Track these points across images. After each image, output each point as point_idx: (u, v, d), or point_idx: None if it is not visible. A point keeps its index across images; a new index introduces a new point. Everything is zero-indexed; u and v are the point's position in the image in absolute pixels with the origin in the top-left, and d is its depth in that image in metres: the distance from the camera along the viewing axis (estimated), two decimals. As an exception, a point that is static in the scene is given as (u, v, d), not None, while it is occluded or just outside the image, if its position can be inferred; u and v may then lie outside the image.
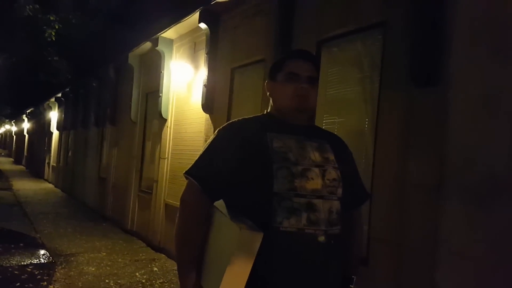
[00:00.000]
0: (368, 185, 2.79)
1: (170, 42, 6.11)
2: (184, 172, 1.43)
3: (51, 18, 7.56)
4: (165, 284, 4.55)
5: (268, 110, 1.57)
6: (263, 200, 1.33)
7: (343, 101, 3.33)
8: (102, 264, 5.14)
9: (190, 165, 1.43)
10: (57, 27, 7.64)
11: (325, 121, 3.42)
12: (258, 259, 1.26)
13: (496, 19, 2.22)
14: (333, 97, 3.40)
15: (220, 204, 1.44)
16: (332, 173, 1.42)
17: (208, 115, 4.96)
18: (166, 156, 6.01)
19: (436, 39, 2.42)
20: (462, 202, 2.23)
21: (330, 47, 3.44)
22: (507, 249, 2.05)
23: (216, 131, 1.48)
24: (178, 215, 1.43)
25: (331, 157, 1.46)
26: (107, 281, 4.53)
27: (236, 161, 1.37)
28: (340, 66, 3.38)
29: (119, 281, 4.53)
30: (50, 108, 15.71)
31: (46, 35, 7.56)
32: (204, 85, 4.92)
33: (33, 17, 7.21)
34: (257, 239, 1.26)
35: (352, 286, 1.49)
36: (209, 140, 1.46)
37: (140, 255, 5.75)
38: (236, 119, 1.54)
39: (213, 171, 1.39)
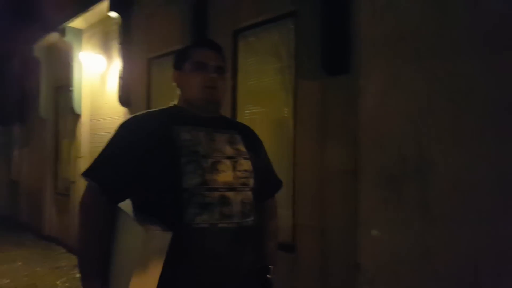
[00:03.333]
0: (290, 173, 2.85)
1: (78, 32, 5.70)
2: (82, 173, 1.31)
3: None
4: (89, 290, 4.32)
5: (176, 102, 1.49)
6: (173, 197, 1.26)
7: (263, 91, 3.33)
8: (18, 275, 4.75)
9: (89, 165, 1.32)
10: None
11: (247, 112, 3.41)
12: (170, 259, 1.20)
13: (398, 4, 2.33)
14: (254, 87, 3.39)
15: (125, 204, 1.34)
16: (244, 164, 1.39)
17: (125, 109, 4.72)
18: (83, 155, 5.65)
19: (344, 28, 2.48)
20: (376, 185, 2.33)
21: (247, 36, 3.41)
22: (417, 226, 2.21)
23: (118, 126, 1.38)
24: (78, 221, 1.31)
25: (242, 148, 1.43)
26: (24, 293, 4.20)
27: (141, 157, 1.28)
28: (257, 56, 3.37)
29: (38, 292, 4.23)
30: None
31: None
32: (120, 77, 4.66)
33: None
34: (165, 239, 1.19)
35: (269, 276, 1.47)
36: (110, 137, 1.35)
37: (61, 262, 5.40)
38: (139, 113, 1.45)
39: (114, 170, 1.29)
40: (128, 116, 1.47)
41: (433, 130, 2.31)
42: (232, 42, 3.37)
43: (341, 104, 2.55)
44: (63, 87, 6.26)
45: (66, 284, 4.49)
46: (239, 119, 3.34)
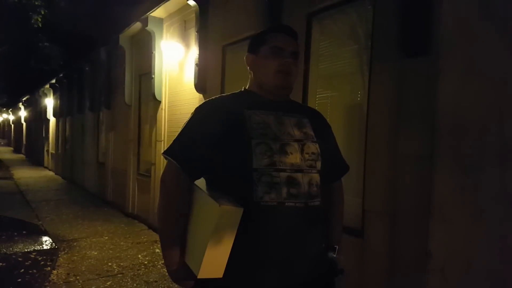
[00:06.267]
0: (361, 159, 2.80)
1: (160, 21, 5.98)
2: (162, 152, 1.42)
3: (36, 3, 7.40)
4: (167, 264, 4.61)
5: (247, 86, 1.55)
6: (243, 176, 1.33)
7: (336, 75, 3.29)
8: (105, 248, 5.20)
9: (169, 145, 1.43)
10: (43, 13, 7.49)
11: (318, 96, 3.39)
12: (240, 234, 1.28)
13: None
14: (326, 71, 3.36)
15: (200, 182, 1.43)
16: (311, 147, 1.43)
17: (201, 95, 4.90)
18: (162, 138, 5.98)
19: (425, 8, 2.36)
20: (453, 170, 2.23)
21: (321, 19, 3.36)
22: (495, 216, 2.07)
23: (194, 110, 1.47)
24: (159, 195, 1.43)
25: (310, 131, 1.47)
26: (109, 264, 4.59)
27: (215, 138, 1.36)
28: (331, 38, 3.32)
29: (121, 264, 4.60)
30: (46, 95, 15.60)
31: (32, 21, 7.41)
32: (196, 64, 4.85)
33: (20, 3, 7.07)
34: (237, 214, 1.26)
35: (334, 256, 1.49)
36: (187, 119, 1.45)
37: (142, 237, 5.81)
38: (213, 97, 1.53)
39: (191, 149, 1.38)
40: (203, 101, 1.55)
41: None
42: (306, 25, 3.35)
43: (418, 87, 2.44)
44: (145, 74, 6.64)
45: (147, 258, 4.82)
46: (310, 103, 3.33)
